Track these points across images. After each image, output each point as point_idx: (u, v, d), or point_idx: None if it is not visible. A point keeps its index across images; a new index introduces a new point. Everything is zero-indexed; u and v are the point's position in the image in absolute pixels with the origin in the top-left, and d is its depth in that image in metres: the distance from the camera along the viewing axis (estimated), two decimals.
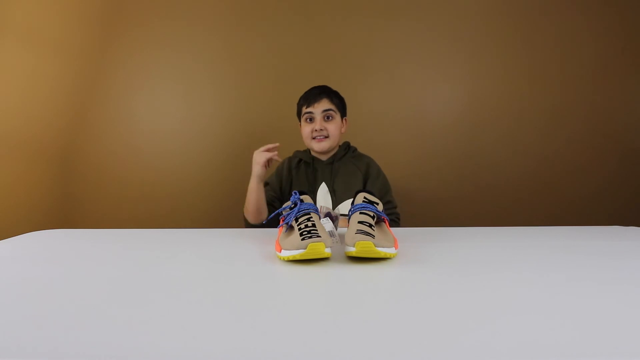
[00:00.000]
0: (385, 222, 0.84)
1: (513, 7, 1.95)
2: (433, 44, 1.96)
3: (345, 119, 1.47)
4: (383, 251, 0.70)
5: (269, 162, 1.32)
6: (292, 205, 0.82)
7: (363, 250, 0.70)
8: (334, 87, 1.46)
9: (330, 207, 1.33)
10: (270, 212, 1.37)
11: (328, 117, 1.39)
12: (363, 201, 0.82)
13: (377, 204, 0.84)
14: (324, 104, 1.38)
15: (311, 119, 1.40)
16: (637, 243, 0.91)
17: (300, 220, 0.76)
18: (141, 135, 1.97)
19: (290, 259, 0.71)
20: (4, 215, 1.93)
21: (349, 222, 0.80)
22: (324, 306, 0.53)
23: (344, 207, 1.32)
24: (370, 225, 0.74)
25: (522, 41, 1.95)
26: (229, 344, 0.41)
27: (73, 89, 1.95)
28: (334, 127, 1.39)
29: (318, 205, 1.33)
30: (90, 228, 1.21)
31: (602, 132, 1.95)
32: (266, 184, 1.46)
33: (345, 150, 1.45)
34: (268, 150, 1.31)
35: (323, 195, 1.37)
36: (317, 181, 1.40)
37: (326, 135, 1.38)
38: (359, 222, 0.75)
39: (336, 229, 0.96)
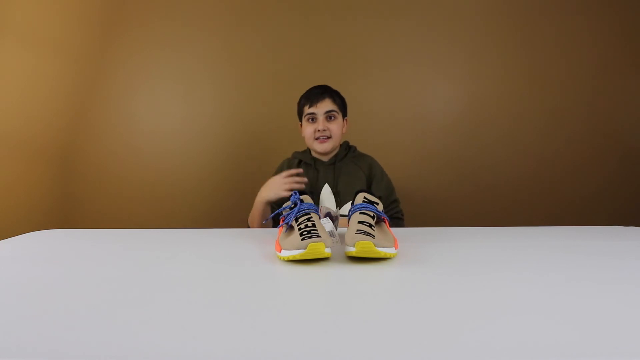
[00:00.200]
0: (385, 222, 0.84)
1: (513, 7, 1.95)
2: (433, 44, 1.96)
3: (346, 119, 1.47)
4: (383, 251, 0.70)
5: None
6: (292, 205, 0.82)
7: (363, 250, 0.70)
8: (334, 87, 1.46)
9: (334, 208, 1.33)
10: None
11: (330, 118, 1.38)
12: (363, 201, 0.82)
13: (377, 204, 0.84)
14: (327, 105, 1.38)
15: (313, 119, 1.39)
16: (637, 243, 0.91)
17: (300, 220, 0.76)
18: (141, 135, 1.97)
19: (290, 259, 0.71)
20: (4, 215, 1.93)
21: (349, 222, 0.80)
22: (324, 306, 0.53)
23: (345, 209, 1.32)
24: (370, 225, 0.74)
25: (522, 41, 1.95)
26: (229, 344, 0.41)
27: (73, 89, 1.95)
28: (336, 128, 1.39)
29: (321, 206, 1.33)
30: (90, 228, 1.21)
31: (602, 132, 1.95)
32: None
33: (346, 150, 1.45)
34: (289, 176, 1.25)
35: (327, 196, 1.36)
36: (319, 182, 1.39)
37: (329, 136, 1.37)
38: (359, 222, 0.75)
39: (336, 229, 0.96)
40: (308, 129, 1.39)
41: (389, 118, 1.96)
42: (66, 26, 1.94)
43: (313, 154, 1.45)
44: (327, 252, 0.71)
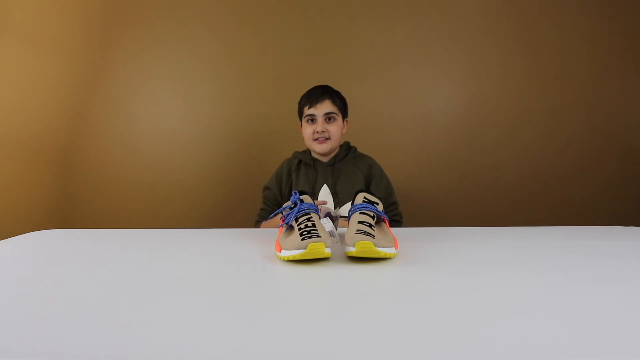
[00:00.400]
0: (385, 222, 0.84)
1: (513, 7, 1.95)
2: (433, 44, 1.96)
3: (347, 120, 1.47)
4: (383, 251, 0.70)
5: None
6: (292, 205, 0.82)
7: (363, 250, 0.70)
8: (335, 87, 1.46)
9: (332, 208, 1.33)
10: None
11: (330, 119, 1.38)
12: (363, 201, 0.82)
13: (377, 204, 0.84)
14: (326, 106, 1.37)
15: (313, 120, 1.39)
16: (637, 243, 0.91)
17: (300, 220, 0.76)
18: (141, 135, 1.97)
19: (290, 259, 0.71)
20: (4, 215, 1.93)
21: (349, 222, 0.80)
22: (324, 306, 0.53)
23: (345, 209, 1.32)
24: (370, 225, 0.74)
25: (522, 41, 1.95)
26: (229, 344, 0.41)
27: (73, 89, 1.95)
28: (335, 129, 1.39)
29: (321, 206, 1.33)
30: (90, 228, 1.21)
31: (602, 132, 1.95)
32: (267, 189, 1.45)
33: (346, 151, 1.45)
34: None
35: (325, 197, 1.36)
36: (318, 183, 1.39)
37: (327, 137, 1.37)
38: (359, 222, 0.75)
39: (336, 229, 0.96)
40: (307, 130, 1.39)
41: (389, 118, 1.96)
42: (66, 26, 1.94)
43: (313, 154, 1.45)
44: (327, 252, 0.71)
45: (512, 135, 1.96)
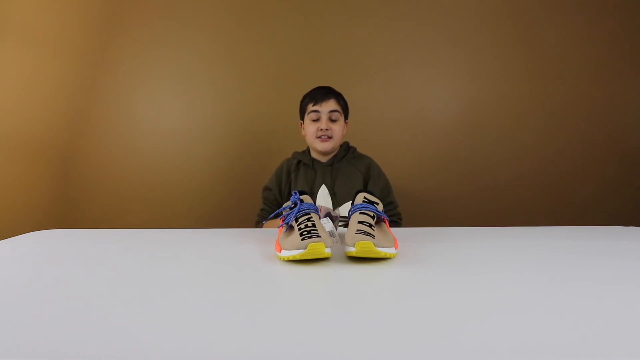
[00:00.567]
0: (385, 222, 0.84)
1: (513, 8, 1.95)
2: (433, 44, 1.96)
3: (347, 122, 1.47)
4: (383, 251, 0.70)
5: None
6: (292, 205, 0.82)
7: (363, 250, 0.70)
8: (334, 87, 1.46)
9: (331, 208, 1.33)
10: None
11: (334, 118, 1.39)
12: (363, 201, 0.82)
13: (377, 204, 0.84)
14: (332, 104, 1.38)
15: (317, 118, 1.39)
16: (637, 243, 0.91)
17: (300, 220, 0.76)
18: (141, 135, 1.97)
19: (290, 259, 0.71)
20: (4, 215, 1.93)
21: (349, 222, 0.80)
22: (324, 306, 0.53)
23: (344, 209, 1.32)
24: (370, 225, 0.74)
25: (522, 41, 1.95)
26: (229, 344, 0.41)
27: (73, 89, 1.95)
28: (338, 128, 1.39)
29: (321, 206, 1.33)
30: (90, 228, 1.21)
31: (602, 132, 1.95)
32: (267, 189, 1.45)
33: (345, 151, 1.45)
34: None
35: (323, 197, 1.36)
36: (317, 183, 1.39)
37: (330, 136, 1.38)
38: (359, 222, 0.75)
39: (336, 229, 0.96)
40: (310, 128, 1.40)
41: (389, 118, 1.96)
42: (66, 26, 1.94)
43: (312, 154, 1.45)
44: (327, 252, 0.71)
45: (512, 135, 1.96)
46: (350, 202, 1.32)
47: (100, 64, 1.96)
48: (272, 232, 1.02)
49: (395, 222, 1.40)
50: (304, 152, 1.48)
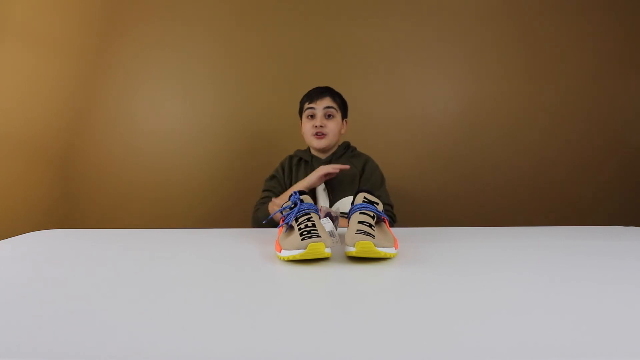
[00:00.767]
0: (385, 222, 0.84)
1: (513, 7, 1.95)
2: (433, 44, 1.96)
3: (346, 120, 1.48)
4: (383, 251, 0.70)
5: (327, 175, 1.33)
6: (292, 205, 0.82)
7: (363, 250, 0.70)
8: (334, 87, 1.47)
9: (328, 204, 1.34)
10: None
11: (329, 116, 1.40)
12: (363, 201, 0.82)
13: (377, 204, 0.84)
14: (326, 102, 1.41)
15: (312, 115, 1.41)
16: (637, 243, 0.91)
17: (300, 220, 0.76)
18: (141, 135, 1.97)
19: (290, 259, 0.71)
20: (4, 215, 1.93)
21: (349, 222, 0.80)
22: (324, 306, 0.53)
23: (345, 205, 1.32)
24: (370, 225, 0.74)
25: (522, 41, 1.95)
26: (229, 344, 0.41)
27: (73, 88, 1.95)
28: (333, 125, 1.41)
29: (321, 206, 1.33)
30: (90, 228, 1.21)
31: (602, 132, 1.95)
32: (273, 177, 1.47)
33: (345, 149, 1.47)
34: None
35: (320, 192, 1.37)
36: None
37: (325, 133, 1.40)
38: (359, 222, 0.75)
39: (336, 229, 0.96)
40: (307, 125, 1.43)
41: (389, 118, 1.96)
42: (66, 26, 1.94)
43: (312, 151, 1.47)
44: (327, 252, 0.71)
45: (512, 135, 1.96)
46: (348, 197, 1.33)
47: (100, 64, 1.96)
48: (272, 232, 1.02)
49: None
50: (305, 150, 1.51)
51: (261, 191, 1.48)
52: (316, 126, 1.39)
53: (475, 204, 1.96)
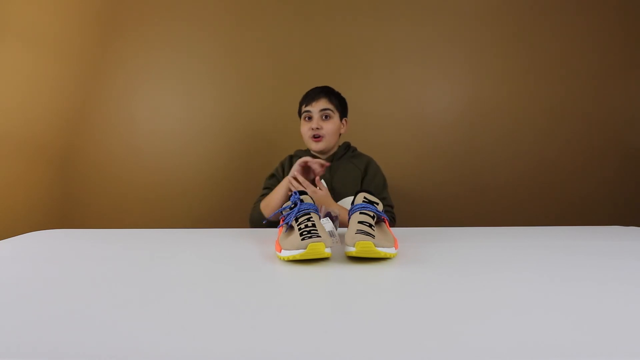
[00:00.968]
0: (385, 222, 0.84)
1: (513, 7, 1.95)
2: (433, 44, 1.96)
3: (346, 120, 1.48)
4: (383, 251, 0.70)
5: (305, 169, 1.28)
6: (292, 205, 0.82)
7: (363, 250, 0.70)
8: (335, 87, 1.46)
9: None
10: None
11: (326, 117, 1.40)
12: (363, 201, 0.82)
13: (377, 204, 0.84)
14: (322, 103, 1.40)
15: (309, 118, 1.41)
16: (637, 243, 0.91)
17: (300, 220, 0.76)
18: (141, 136, 1.97)
19: (290, 259, 0.71)
20: (4, 215, 1.93)
21: (349, 222, 0.80)
22: (324, 306, 0.53)
23: (346, 205, 1.32)
24: (370, 225, 0.74)
25: (522, 41, 1.95)
26: (229, 344, 0.41)
27: (73, 88, 1.95)
28: (330, 127, 1.40)
29: (322, 206, 1.33)
30: (90, 228, 1.21)
31: (602, 132, 1.95)
32: (273, 176, 1.48)
33: (345, 150, 1.47)
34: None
35: None
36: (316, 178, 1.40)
37: (322, 135, 1.39)
38: (359, 222, 0.75)
39: (336, 229, 0.96)
40: (304, 127, 1.43)
41: (389, 118, 1.96)
42: (66, 26, 1.94)
43: (312, 151, 1.47)
44: (327, 252, 0.71)
45: (512, 135, 1.96)
46: (349, 197, 1.33)
47: (100, 64, 1.96)
48: (272, 232, 1.02)
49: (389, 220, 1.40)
50: (306, 150, 1.51)
51: (261, 189, 1.49)
52: (313, 128, 1.39)
53: (475, 204, 1.96)
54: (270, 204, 1.34)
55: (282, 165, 1.50)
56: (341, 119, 1.45)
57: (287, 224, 0.80)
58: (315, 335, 0.43)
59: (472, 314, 0.49)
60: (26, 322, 0.46)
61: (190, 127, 1.97)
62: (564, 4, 1.94)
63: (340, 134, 1.46)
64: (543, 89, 1.95)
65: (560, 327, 0.45)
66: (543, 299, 0.53)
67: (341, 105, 1.45)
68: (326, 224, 0.86)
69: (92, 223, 1.97)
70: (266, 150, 1.94)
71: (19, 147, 1.93)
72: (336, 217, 1.05)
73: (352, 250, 0.70)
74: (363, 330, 0.44)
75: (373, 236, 0.71)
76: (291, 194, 0.85)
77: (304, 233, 0.72)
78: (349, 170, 1.41)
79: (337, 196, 1.36)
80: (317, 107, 1.40)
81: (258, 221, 1.36)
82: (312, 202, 0.84)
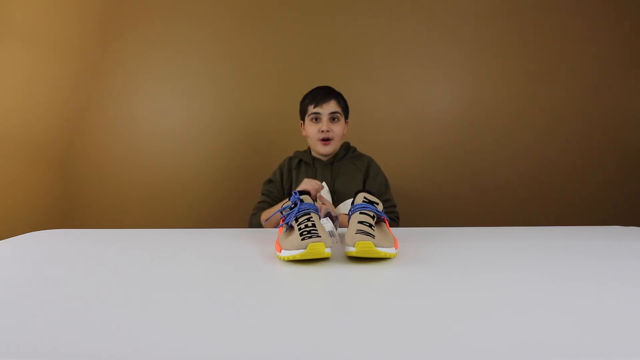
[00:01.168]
0: (385, 222, 0.84)
1: (513, 8, 1.95)
2: (433, 44, 1.96)
3: (347, 122, 1.47)
4: (383, 251, 0.70)
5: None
6: (292, 205, 0.82)
7: (363, 250, 0.70)
8: (334, 87, 1.46)
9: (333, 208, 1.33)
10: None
11: (334, 119, 1.39)
12: (363, 201, 0.82)
13: (377, 204, 0.84)
14: (332, 106, 1.38)
15: (317, 119, 1.39)
16: (637, 243, 0.91)
17: (300, 220, 0.76)
18: (141, 136, 1.97)
19: (290, 259, 0.71)
20: (4, 215, 1.93)
21: (349, 222, 0.80)
22: (324, 306, 0.53)
23: (344, 207, 1.32)
24: (370, 225, 0.74)
25: (522, 41, 1.95)
26: (229, 344, 0.41)
27: (73, 88, 1.95)
28: (339, 129, 1.40)
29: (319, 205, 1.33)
30: (90, 228, 1.21)
31: (602, 132, 1.95)
32: (270, 182, 1.46)
33: (346, 150, 1.46)
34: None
35: (324, 194, 1.36)
36: (318, 180, 1.39)
37: (332, 137, 1.38)
38: (359, 222, 0.75)
39: (336, 229, 0.96)
40: (311, 129, 1.40)
41: (389, 118, 1.96)
42: (66, 26, 1.94)
43: (313, 153, 1.46)
44: (327, 252, 0.71)
45: (512, 135, 1.96)
46: (350, 200, 1.32)
47: (100, 64, 1.96)
48: (272, 232, 1.02)
49: (392, 220, 1.40)
50: (305, 151, 1.49)
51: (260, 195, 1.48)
52: (323, 131, 1.36)
53: (475, 204, 1.96)
54: (272, 220, 1.32)
55: (280, 169, 1.47)
56: (345, 121, 1.45)
57: (287, 224, 0.80)
58: (315, 335, 0.43)
59: (472, 314, 0.49)
60: (26, 322, 0.46)
61: (190, 127, 1.97)
62: (564, 4, 1.94)
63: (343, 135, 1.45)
64: (543, 89, 1.95)
65: (560, 327, 0.45)
66: (543, 299, 0.53)
67: (346, 107, 1.45)
68: (326, 224, 0.86)
69: (92, 223, 1.97)
70: (266, 150, 1.94)
71: (19, 147, 1.93)
72: (336, 217, 1.05)
73: (352, 250, 0.70)
74: (363, 330, 0.44)
75: (373, 236, 0.71)
76: (291, 195, 0.84)
77: (304, 233, 0.72)
78: (351, 172, 1.40)
79: (338, 199, 1.36)
80: (327, 109, 1.37)
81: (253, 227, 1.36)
82: (312, 202, 0.84)
